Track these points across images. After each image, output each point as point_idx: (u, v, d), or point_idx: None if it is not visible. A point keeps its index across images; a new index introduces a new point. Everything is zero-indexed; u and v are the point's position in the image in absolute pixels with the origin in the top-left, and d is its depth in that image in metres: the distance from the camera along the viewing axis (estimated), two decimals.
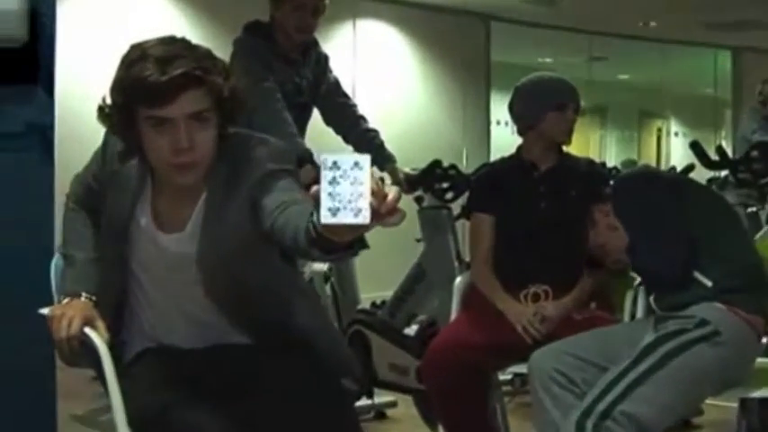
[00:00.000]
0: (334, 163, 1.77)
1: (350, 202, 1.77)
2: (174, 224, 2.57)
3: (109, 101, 2.46)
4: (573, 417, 2.97)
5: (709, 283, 3.20)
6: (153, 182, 2.57)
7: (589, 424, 2.92)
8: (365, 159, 1.78)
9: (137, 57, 2.39)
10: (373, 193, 1.78)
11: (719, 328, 3.07)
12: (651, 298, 3.33)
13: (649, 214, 3.39)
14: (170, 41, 2.44)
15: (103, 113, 2.48)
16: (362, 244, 2.03)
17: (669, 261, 3.28)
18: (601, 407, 2.94)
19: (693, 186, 3.60)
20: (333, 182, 1.77)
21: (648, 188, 3.49)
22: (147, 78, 2.35)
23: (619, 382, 2.97)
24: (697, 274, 3.23)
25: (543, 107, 3.81)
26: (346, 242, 1.96)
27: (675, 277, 3.25)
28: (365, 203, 1.77)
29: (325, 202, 1.77)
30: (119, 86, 2.42)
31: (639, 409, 2.93)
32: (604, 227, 3.50)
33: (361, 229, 1.83)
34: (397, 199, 1.83)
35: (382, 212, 1.81)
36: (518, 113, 3.91)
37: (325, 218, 1.78)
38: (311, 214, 1.98)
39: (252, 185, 2.47)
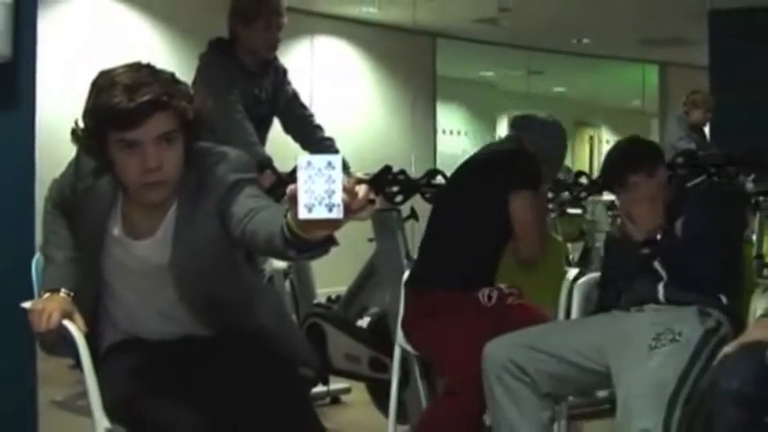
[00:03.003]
0: (309, 163, 1.78)
1: (324, 198, 1.78)
2: (144, 232, 2.58)
3: (81, 125, 2.47)
4: (658, 413, 2.80)
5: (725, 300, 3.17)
6: (124, 195, 2.58)
7: (681, 398, 2.82)
8: (337, 159, 1.79)
9: (106, 84, 2.40)
10: (345, 191, 1.80)
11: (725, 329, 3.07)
12: (661, 285, 3.22)
13: (717, 222, 3.30)
14: (137, 68, 2.44)
15: (77, 136, 2.49)
16: (333, 241, 2.05)
17: (717, 265, 3.17)
18: (685, 392, 2.84)
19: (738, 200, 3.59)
20: (308, 180, 1.78)
21: (720, 200, 3.44)
22: (117, 105, 2.36)
23: (690, 373, 2.89)
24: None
25: None
26: (319, 240, 1.99)
27: (716, 280, 3.16)
28: (338, 199, 1.79)
29: (302, 199, 1.79)
30: (90, 112, 2.43)
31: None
32: (645, 194, 3.22)
33: (334, 224, 1.84)
34: (367, 195, 1.86)
35: (354, 208, 1.83)
36: None
37: (302, 213, 1.79)
38: (285, 216, 2.00)
39: (219, 198, 2.49)
